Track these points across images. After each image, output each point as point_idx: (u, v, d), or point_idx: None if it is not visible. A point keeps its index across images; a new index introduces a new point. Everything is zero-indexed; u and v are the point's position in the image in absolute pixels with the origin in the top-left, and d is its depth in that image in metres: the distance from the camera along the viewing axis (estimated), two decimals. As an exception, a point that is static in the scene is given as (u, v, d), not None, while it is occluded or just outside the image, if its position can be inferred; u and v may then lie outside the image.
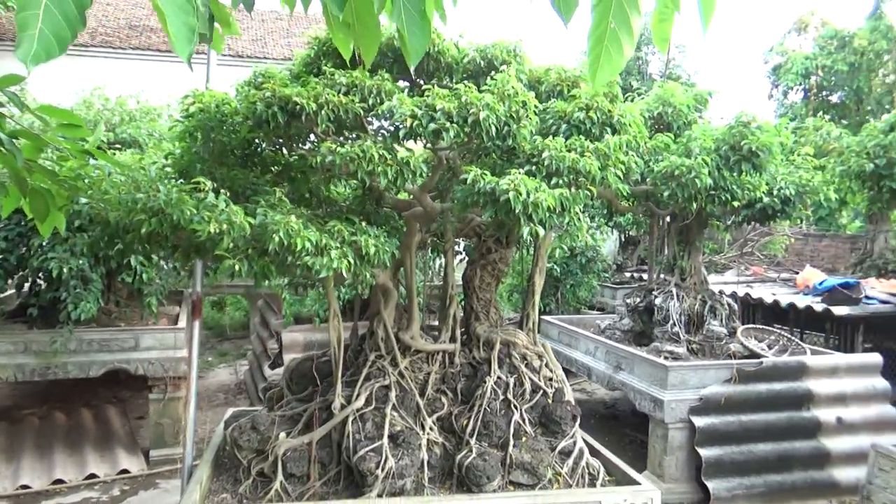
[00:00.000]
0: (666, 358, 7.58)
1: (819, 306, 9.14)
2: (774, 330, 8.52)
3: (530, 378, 5.11)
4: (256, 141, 4.37)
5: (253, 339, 11.98)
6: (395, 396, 4.86)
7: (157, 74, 16.59)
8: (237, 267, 3.23)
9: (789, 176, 7.42)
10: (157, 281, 8.22)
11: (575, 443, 5.04)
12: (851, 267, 12.57)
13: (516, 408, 4.95)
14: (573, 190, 3.66)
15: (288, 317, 9.34)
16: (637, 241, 14.84)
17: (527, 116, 3.79)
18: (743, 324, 8.59)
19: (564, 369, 9.32)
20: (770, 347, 8.04)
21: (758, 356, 7.49)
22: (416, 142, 3.73)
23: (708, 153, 4.48)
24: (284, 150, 5.14)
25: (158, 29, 18.02)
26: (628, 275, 14.12)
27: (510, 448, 4.72)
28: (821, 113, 12.94)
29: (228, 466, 5.14)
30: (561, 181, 3.68)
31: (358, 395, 4.81)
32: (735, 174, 4.61)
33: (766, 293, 10.39)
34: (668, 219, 8.54)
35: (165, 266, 8.34)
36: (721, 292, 8.70)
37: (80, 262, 7.10)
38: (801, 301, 9.54)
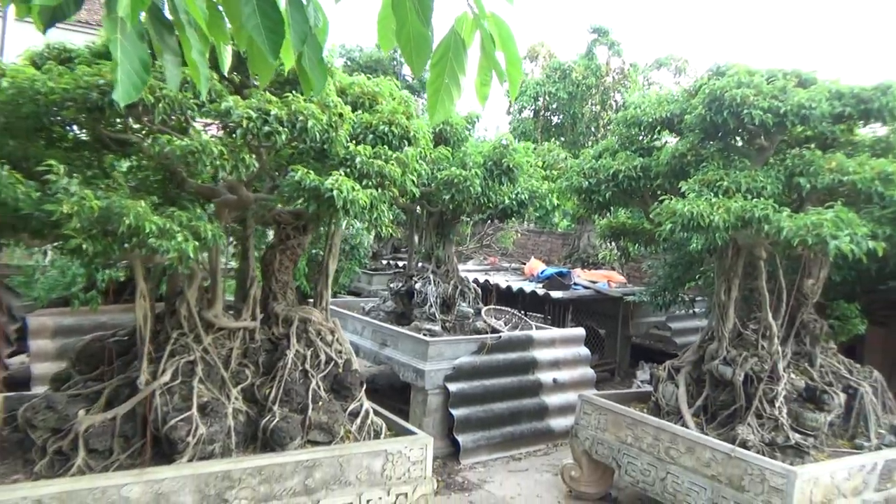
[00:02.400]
0: (425, 335, 8.78)
1: (541, 291, 11.21)
2: (508, 310, 10.27)
3: (325, 350, 5.81)
4: (73, 120, 4.39)
5: (-20, 325, 10.65)
6: (201, 370, 5.21)
7: None
8: (83, 246, 3.43)
9: (524, 184, 9.13)
10: None
11: (362, 405, 5.88)
12: (563, 259, 15.33)
13: (313, 377, 5.62)
14: (380, 191, 4.46)
15: (42, 298, 8.68)
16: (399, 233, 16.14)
17: (342, 125, 4.50)
18: (484, 305, 10.21)
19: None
20: (506, 324, 9.73)
21: (497, 332, 9.08)
22: (247, 141, 4.20)
23: (478, 166, 5.63)
24: (73, 130, 5.14)
25: None
26: (384, 262, 15.35)
27: (309, 412, 5.39)
28: (544, 131, 15.64)
29: (13, 450, 5.01)
30: (370, 183, 4.47)
31: (164, 371, 5.06)
32: (496, 184, 5.85)
33: (501, 280, 12.31)
34: (425, 214, 9.80)
35: None
36: (468, 279, 10.21)
37: None
38: (528, 286, 11.57)
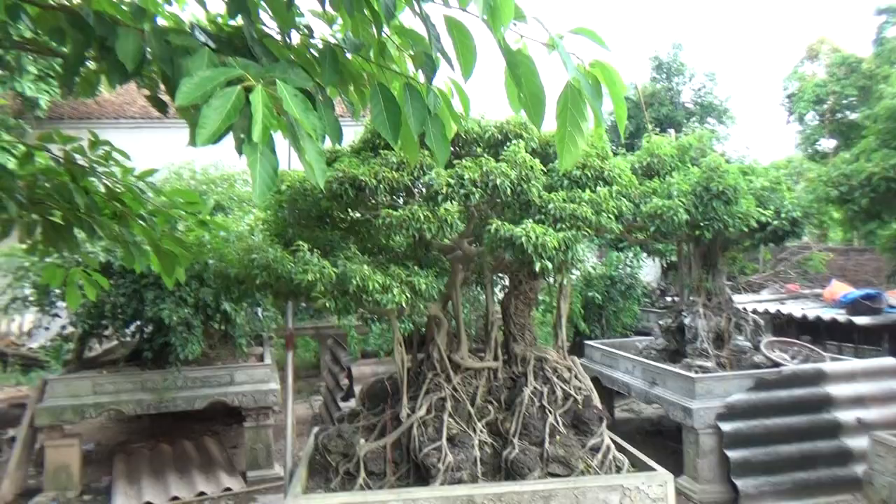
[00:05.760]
0: (696, 372, 8.41)
1: (843, 318, 9.79)
2: (797, 342, 9.22)
3: (561, 387, 6.13)
4: (328, 207, 5.63)
5: (325, 374, 13.23)
6: (451, 406, 5.96)
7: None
8: (327, 305, 4.45)
9: (795, 200, 8.32)
10: (245, 325, 9.61)
11: (603, 440, 6.01)
12: (888, 278, 13.03)
13: (550, 412, 5.97)
14: (573, 232, 4.75)
15: (354, 352, 10.57)
16: (677, 267, 15.55)
17: (535, 178, 4.94)
18: (768, 338, 9.33)
19: (608, 389, 10.25)
20: (793, 358, 8.76)
21: (778, 365, 8.25)
22: (450, 202, 4.90)
23: (685, 194, 5.52)
24: (350, 212, 6.44)
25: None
26: (669, 299, 14.84)
27: (546, 445, 5.73)
28: (838, 134, 13.58)
29: (319, 470, 6.31)
30: (564, 226, 4.79)
31: (420, 406, 5.93)
32: (707, 209, 5.63)
33: (796, 309, 11.05)
34: (690, 246, 9.45)
35: (256, 312, 9.72)
36: (745, 309, 9.47)
37: (186, 311, 8.51)
38: (827, 314, 10.20)
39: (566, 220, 4.78)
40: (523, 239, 4.51)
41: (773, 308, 11.40)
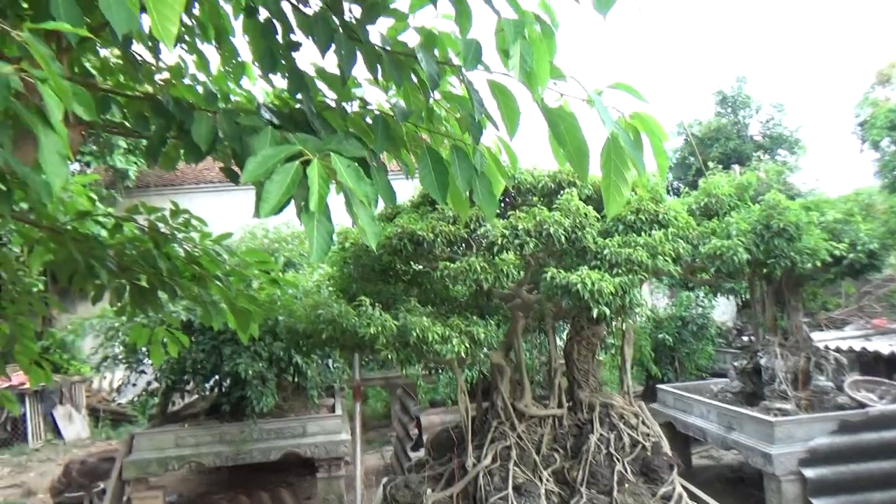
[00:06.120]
0: (775, 415, 8.07)
1: (934, 354, 9.22)
2: (886, 381, 8.73)
3: (629, 434, 6.03)
4: (389, 261, 5.86)
5: (395, 424, 13.34)
6: (516, 454, 5.96)
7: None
8: (389, 356, 4.61)
9: (872, 232, 8.03)
10: (316, 377, 9.89)
11: (674, 489, 5.85)
12: None
13: (618, 459, 5.87)
14: (630, 276, 4.78)
15: (423, 402, 10.67)
16: (751, 306, 15.02)
17: (589, 224, 5.02)
18: (862, 377, 8.88)
19: (684, 435, 9.93)
20: (881, 398, 8.29)
21: (864, 406, 7.82)
22: (506, 252, 5.03)
23: (744, 233, 5.46)
24: (411, 265, 6.65)
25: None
26: (746, 338, 14.32)
27: (615, 494, 5.63)
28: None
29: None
30: (620, 270, 4.83)
31: (486, 455, 5.96)
32: (775, 245, 5.53)
33: (883, 345, 10.47)
34: (763, 283, 9.19)
35: (328, 364, 10.00)
36: (826, 347, 9.07)
37: (260, 365, 8.86)
38: (917, 350, 9.63)
39: (622, 264, 4.82)
40: (579, 286, 4.57)
41: (857, 345, 10.83)
